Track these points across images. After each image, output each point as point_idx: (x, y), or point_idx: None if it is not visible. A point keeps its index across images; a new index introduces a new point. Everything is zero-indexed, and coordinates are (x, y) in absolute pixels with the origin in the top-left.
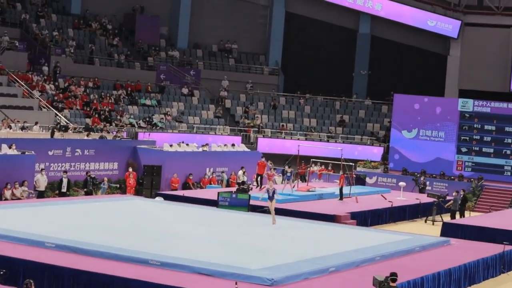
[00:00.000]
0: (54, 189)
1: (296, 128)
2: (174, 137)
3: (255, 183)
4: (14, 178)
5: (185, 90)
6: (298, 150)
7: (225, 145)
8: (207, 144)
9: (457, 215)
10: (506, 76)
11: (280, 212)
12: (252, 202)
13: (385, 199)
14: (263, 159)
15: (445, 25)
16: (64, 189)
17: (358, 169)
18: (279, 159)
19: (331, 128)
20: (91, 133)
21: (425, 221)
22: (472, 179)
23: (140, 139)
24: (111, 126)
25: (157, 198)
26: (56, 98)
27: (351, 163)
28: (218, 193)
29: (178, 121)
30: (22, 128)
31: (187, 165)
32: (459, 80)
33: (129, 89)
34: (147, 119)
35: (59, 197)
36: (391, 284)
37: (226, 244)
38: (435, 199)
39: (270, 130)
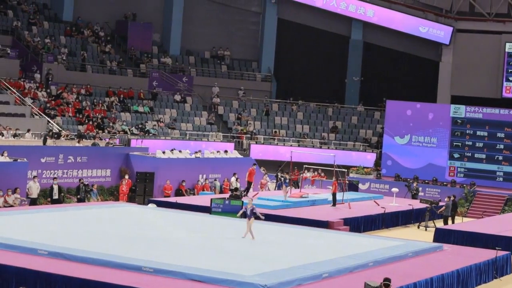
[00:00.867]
0: (47, 196)
1: (289, 134)
2: (167, 144)
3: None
4: (6, 186)
5: (177, 97)
6: (291, 157)
7: (218, 151)
8: (200, 151)
9: (449, 221)
10: (498, 82)
11: (273, 218)
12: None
13: (378, 205)
14: (254, 167)
15: (437, 31)
16: (55, 196)
17: (351, 175)
18: (272, 166)
19: (323, 134)
20: (82, 139)
21: (418, 227)
22: (464, 185)
23: (133, 146)
24: (104, 133)
25: (150, 205)
26: (48, 105)
27: (343, 169)
28: (211, 199)
29: (171, 128)
30: (14, 136)
31: (180, 172)
32: (451, 86)
33: (122, 96)
34: (140, 126)
35: (52, 204)
36: None
37: (219, 250)
38: (427, 205)
39: (263, 136)
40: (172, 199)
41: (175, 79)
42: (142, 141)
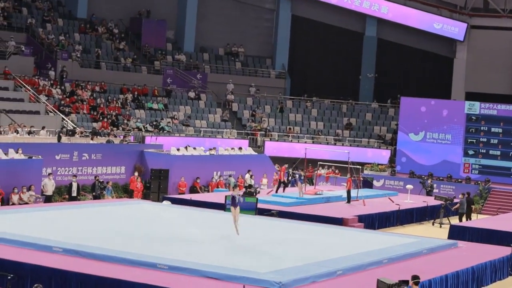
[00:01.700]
0: (62, 194)
1: (303, 131)
2: (181, 141)
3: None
4: (21, 183)
5: (192, 94)
6: (305, 153)
7: (232, 148)
8: (214, 148)
9: (464, 218)
10: None
11: (287, 215)
12: (259, 205)
13: (393, 202)
14: (285, 165)
15: (451, 27)
16: (74, 193)
17: (365, 172)
18: (286, 163)
19: (338, 131)
20: (97, 137)
21: (433, 224)
22: (479, 182)
23: (147, 143)
24: (118, 130)
25: (165, 202)
26: (62, 102)
27: (358, 166)
28: (226, 196)
29: (185, 125)
30: (29, 133)
31: (194, 169)
32: (466, 82)
33: (136, 93)
34: (154, 123)
35: (68, 202)
36: (414, 286)
37: (233, 247)
38: (442, 202)
39: (277, 133)
40: (187, 196)
41: (189, 76)
42: (156, 138)
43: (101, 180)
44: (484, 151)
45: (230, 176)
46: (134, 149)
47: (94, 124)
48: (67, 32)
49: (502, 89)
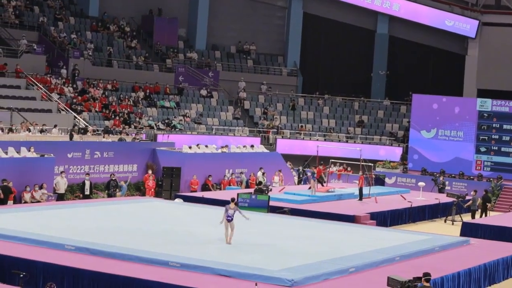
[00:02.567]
0: (74, 192)
1: (315, 128)
2: (193, 139)
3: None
4: (33, 181)
5: (203, 92)
6: (317, 151)
7: (244, 146)
8: (226, 146)
9: (477, 215)
10: None
11: (299, 213)
12: (271, 203)
13: (405, 199)
14: (322, 166)
15: (463, 25)
16: (87, 192)
17: (377, 169)
18: (298, 160)
19: (350, 128)
20: (109, 135)
21: (445, 221)
22: (491, 179)
23: (159, 141)
24: (130, 128)
25: (177, 200)
26: (74, 100)
27: (370, 164)
28: (238, 194)
29: (197, 123)
30: (41, 131)
31: (206, 167)
32: (477, 79)
33: (148, 91)
34: (166, 121)
35: (80, 200)
36: (425, 284)
37: (245, 245)
38: (454, 199)
39: (289, 131)
40: (199, 194)
41: (201, 74)
42: (168, 136)
43: (114, 178)
44: (496, 148)
45: (241, 173)
46: (146, 147)
47: (106, 122)
48: (79, 30)
49: None
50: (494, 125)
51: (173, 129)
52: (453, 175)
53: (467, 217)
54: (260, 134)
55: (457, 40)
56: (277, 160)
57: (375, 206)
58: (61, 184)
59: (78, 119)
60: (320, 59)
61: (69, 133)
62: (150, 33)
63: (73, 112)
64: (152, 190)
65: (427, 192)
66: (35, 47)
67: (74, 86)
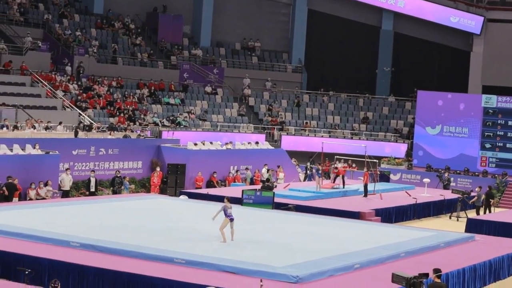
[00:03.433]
0: (79, 189)
1: (320, 125)
2: (198, 136)
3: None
4: (38, 178)
5: (208, 89)
6: (322, 148)
7: (249, 143)
8: (231, 142)
9: (481, 211)
10: None
11: (304, 209)
12: (276, 199)
13: (410, 195)
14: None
15: (467, 21)
16: (92, 189)
17: (382, 166)
18: (303, 157)
19: (354, 125)
20: (114, 132)
21: (450, 217)
22: (496, 175)
23: (164, 137)
24: (135, 125)
25: (182, 197)
26: (79, 97)
27: (375, 160)
28: (243, 191)
29: (202, 120)
30: (46, 128)
31: (211, 164)
32: (483, 76)
33: (153, 88)
34: (171, 118)
35: (85, 197)
36: (436, 280)
37: (250, 241)
38: (459, 195)
39: (294, 127)
40: (204, 191)
41: (206, 71)
42: (173, 133)
43: (119, 175)
44: (501, 144)
45: (247, 169)
46: (151, 144)
47: (111, 119)
48: (83, 27)
49: None
50: (499, 121)
51: (178, 126)
52: (458, 172)
53: (472, 214)
54: (265, 131)
55: (462, 36)
56: (281, 156)
57: (380, 203)
58: (66, 181)
59: (83, 116)
60: (325, 55)
61: (74, 130)
62: (155, 30)
63: (78, 109)
64: (157, 187)
65: (432, 189)
66: (40, 45)
67: (79, 83)
